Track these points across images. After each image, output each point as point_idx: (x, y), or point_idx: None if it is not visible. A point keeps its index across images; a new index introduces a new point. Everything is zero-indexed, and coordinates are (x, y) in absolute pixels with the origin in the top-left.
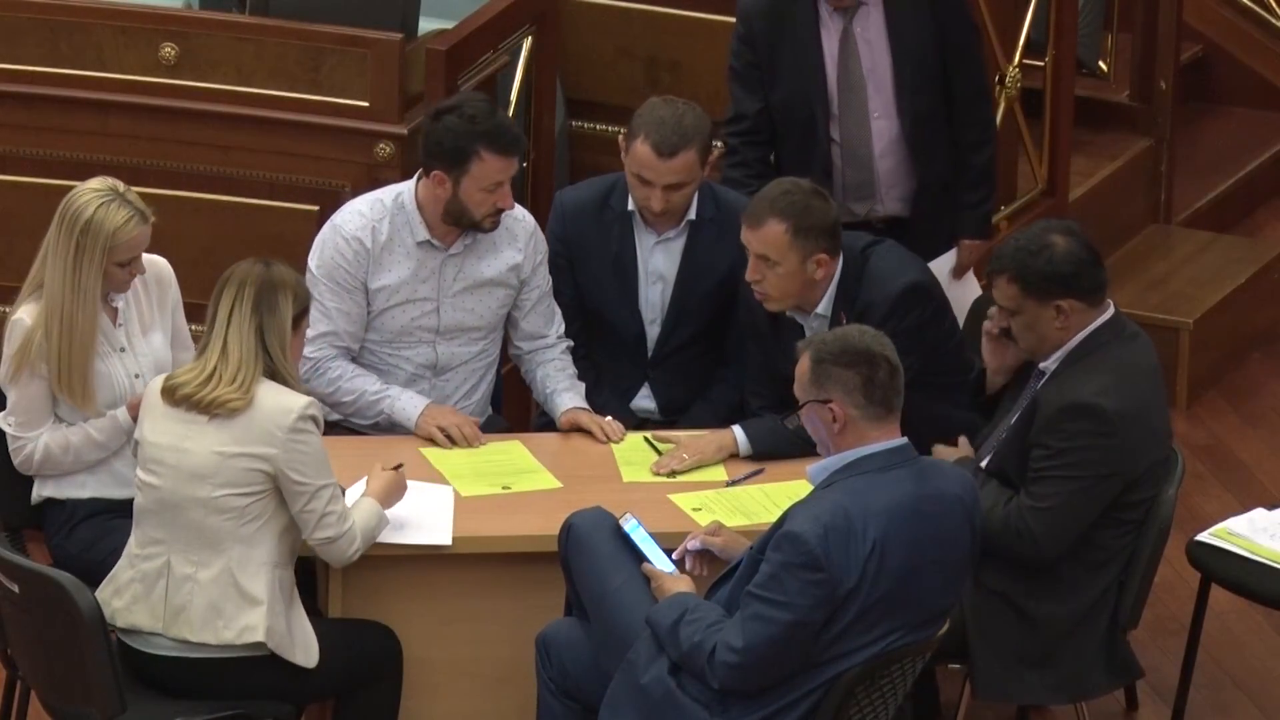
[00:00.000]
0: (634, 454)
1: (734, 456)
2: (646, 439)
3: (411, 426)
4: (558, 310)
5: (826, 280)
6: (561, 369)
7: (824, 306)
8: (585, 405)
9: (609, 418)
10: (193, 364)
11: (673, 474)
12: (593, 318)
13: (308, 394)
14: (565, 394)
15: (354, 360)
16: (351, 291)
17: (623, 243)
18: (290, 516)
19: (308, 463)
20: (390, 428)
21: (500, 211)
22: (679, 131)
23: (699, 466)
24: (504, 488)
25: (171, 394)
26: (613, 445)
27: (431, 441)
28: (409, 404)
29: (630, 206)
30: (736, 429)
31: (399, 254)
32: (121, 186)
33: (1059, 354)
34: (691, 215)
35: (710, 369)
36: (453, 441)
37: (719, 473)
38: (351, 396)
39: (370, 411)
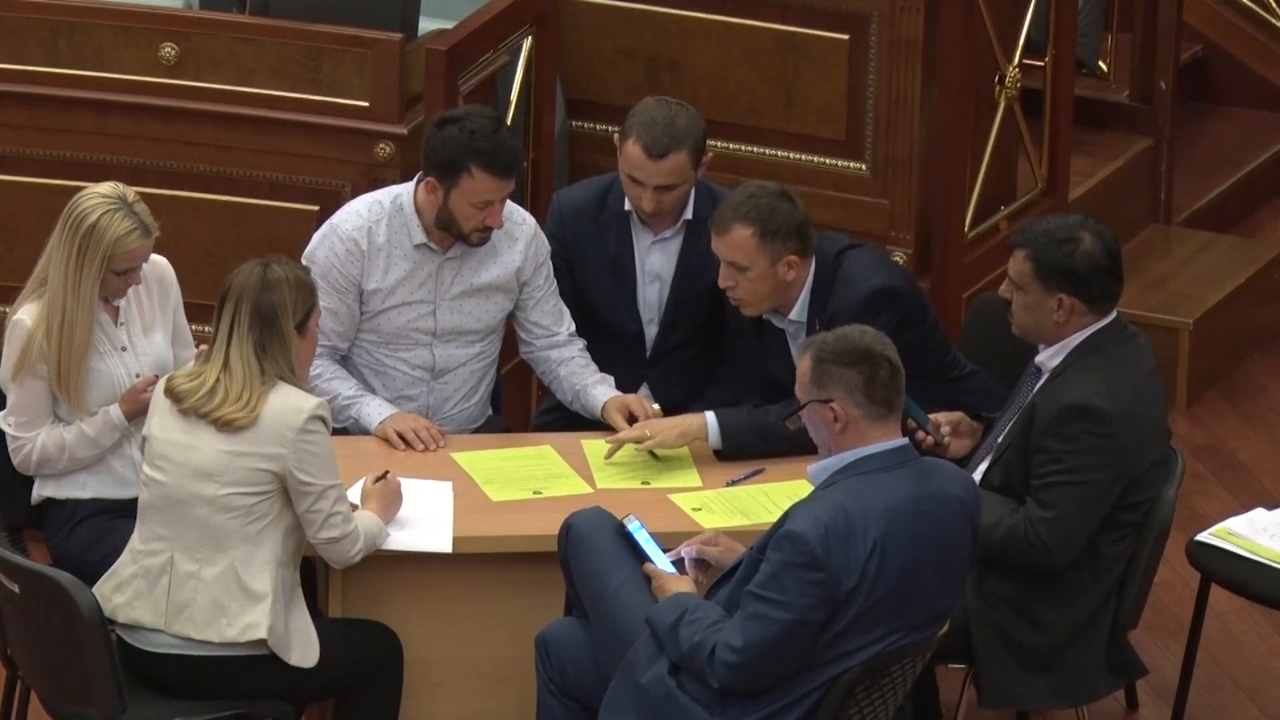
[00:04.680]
0: (614, 457)
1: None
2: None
3: (373, 431)
4: (565, 309)
5: (799, 282)
6: (585, 365)
7: (798, 312)
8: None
9: (653, 404)
10: (194, 369)
11: (622, 448)
12: (590, 318)
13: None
14: (599, 386)
15: (345, 360)
16: (343, 292)
17: (620, 243)
18: (295, 516)
19: (316, 463)
20: (360, 432)
21: (489, 229)
22: (670, 133)
23: (659, 446)
24: (535, 493)
25: (176, 399)
26: (586, 450)
27: (388, 443)
28: (375, 411)
29: (627, 206)
30: (710, 416)
31: (396, 256)
32: (131, 195)
33: (1055, 352)
34: (688, 215)
35: (708, 368)
36: (407, 444)
37: (690, 478)
38: (325, 398)
39: (340, 415)
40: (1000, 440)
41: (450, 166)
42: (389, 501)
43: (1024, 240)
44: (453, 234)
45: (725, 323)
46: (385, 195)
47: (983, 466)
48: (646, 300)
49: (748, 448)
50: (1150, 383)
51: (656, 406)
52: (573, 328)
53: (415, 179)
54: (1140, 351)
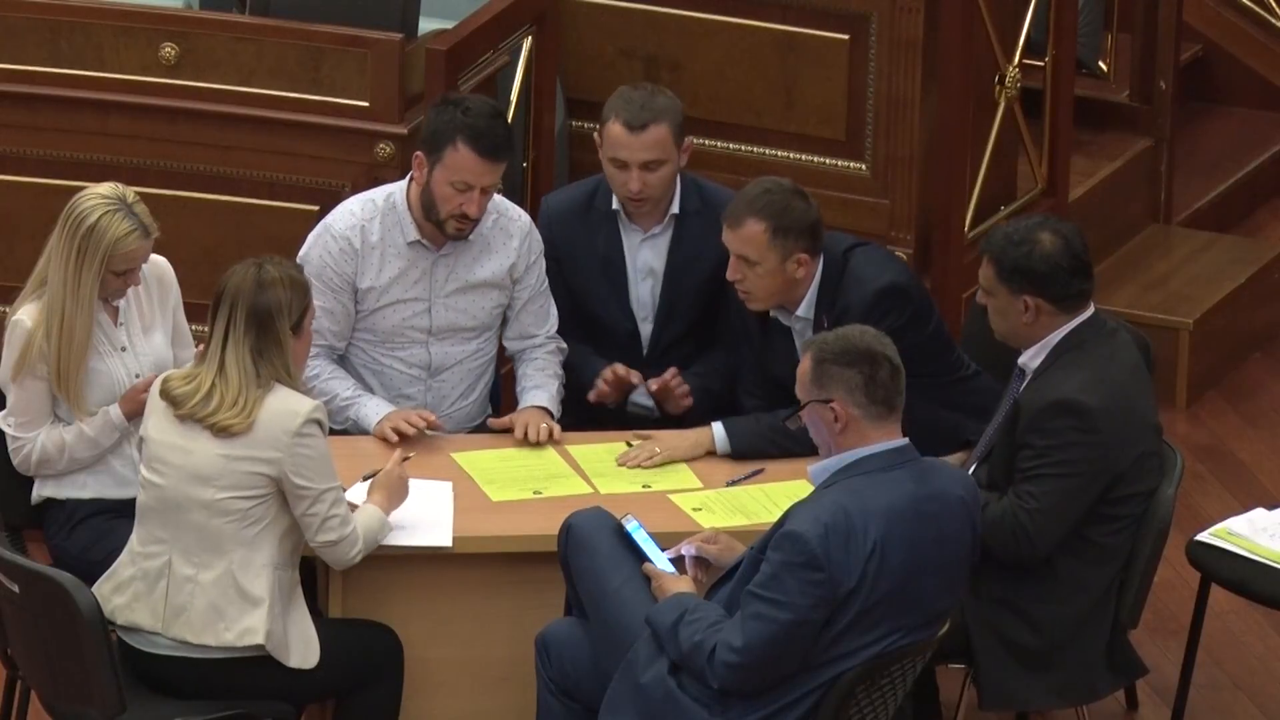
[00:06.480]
0: (611, 461)
1: (711, 454)
2: (629, 443)
3: (371, 431)
4: (553, 310)
5: (808, 280)
6: (541, 368)
7: (805, 309)
8: (545, 405)
9: (544, 424)
10: (189, 370)
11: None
12: (586, 319)
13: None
14: (530, 392)
15: (342, 360)
16: (337, 291)
17: (610, 242)
18: (293, 519)
19: (312, 466)
20: (360, 432)
21: (465, 219)
22: (649, 107)
23: (669, 462)
24: (535, 493)
25: (172, 404)
26: (575, 455)
27: (386, 442)
28: (372, 410)
29: (614, 205)
30: (716, 426)
31: (390, 254)
32: (130, 196)
33: (1036, 351)
34: (675, 209)
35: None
36: (402, 437)
37: (690, 479)
38: (324, 399)
39: (339, 416)
40: (985, 439)
41: (438, 139)
42: (394, 491)
43: (987, 245)
44: (431, 221)
45: (720, 316)
46: (378, 194)
47: (971, 468)
48: (640, 298)
49: (758, 451)
50: (1134, 377)
51: (545, 426)
52: (553, 330)
53: (408, 177)
54: (1123, 347)
